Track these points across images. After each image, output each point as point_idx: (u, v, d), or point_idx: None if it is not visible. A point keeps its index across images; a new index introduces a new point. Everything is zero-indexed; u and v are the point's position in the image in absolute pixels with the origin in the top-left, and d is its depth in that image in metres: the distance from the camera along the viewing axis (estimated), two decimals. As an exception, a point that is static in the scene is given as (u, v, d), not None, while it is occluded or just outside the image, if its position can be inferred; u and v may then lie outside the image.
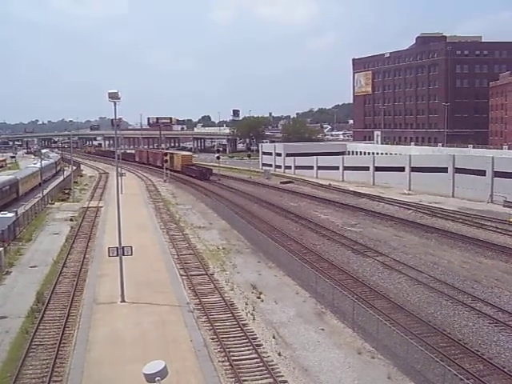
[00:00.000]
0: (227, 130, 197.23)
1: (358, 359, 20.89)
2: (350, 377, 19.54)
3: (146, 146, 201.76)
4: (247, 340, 22.57)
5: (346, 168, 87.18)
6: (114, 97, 26.63)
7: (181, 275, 32.26)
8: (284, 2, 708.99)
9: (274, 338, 22.98)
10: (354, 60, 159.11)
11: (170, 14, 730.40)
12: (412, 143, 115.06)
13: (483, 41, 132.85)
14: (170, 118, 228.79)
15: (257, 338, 22.96)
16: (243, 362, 20.70)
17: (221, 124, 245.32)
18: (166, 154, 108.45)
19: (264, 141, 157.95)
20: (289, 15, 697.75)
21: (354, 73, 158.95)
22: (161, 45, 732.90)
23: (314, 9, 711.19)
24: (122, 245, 27.99)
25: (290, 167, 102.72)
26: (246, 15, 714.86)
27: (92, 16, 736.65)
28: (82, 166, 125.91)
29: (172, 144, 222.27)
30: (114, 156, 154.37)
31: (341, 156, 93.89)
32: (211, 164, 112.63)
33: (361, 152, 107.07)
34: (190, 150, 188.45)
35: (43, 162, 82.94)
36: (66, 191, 74.89)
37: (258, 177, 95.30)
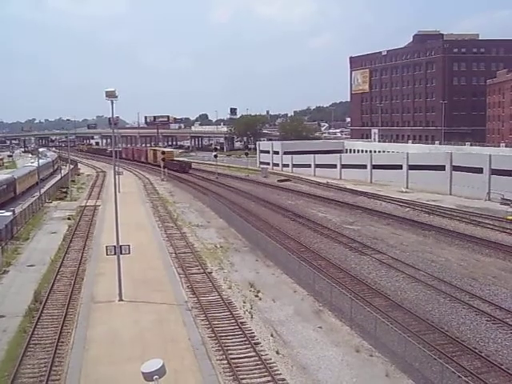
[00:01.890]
0: (225, 129, 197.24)
1: (356, 357, 20.91)
2: (348, 374, 19.57)
3: (143, 145, 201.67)
4: (245, 338, 22.58)
5: (343, 166, 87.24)
6: (111, 95, 26.59)
7: (179, 274, 32.25)
8: (282, 0, 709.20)
9: (272, 336, 23.00)
10: (351, 58, 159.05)
11: (168, 13, 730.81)
12: (409, 141, 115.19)
13: (480, 39, 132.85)
14: (168, 117, 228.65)
15: (255, 336, 22.98)
16: (241, 360, 20.71)
17: (218, 122, 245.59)
18: (163, 153, 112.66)
19: (261, 139, 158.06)
20: (287, 14, 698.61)
21: (351, 71, 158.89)
22: (158, 44, 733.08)
23: (311, 8, 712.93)
24: (120, 243, 27.98)
25: (287, 165, 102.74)
26: (244, 14, 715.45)
27: (90, 15, 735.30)
28: (80, 165, 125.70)
29: (169, 142, 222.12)
30: (105, 153, 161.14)
31: (338, 154, 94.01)
32: (208, 162, 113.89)
33: (358, 150, 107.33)
34: (187, 149, 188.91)
35: (40, 160, 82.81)
36: (64, 190, 74.74)
37: (255, 175, 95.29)
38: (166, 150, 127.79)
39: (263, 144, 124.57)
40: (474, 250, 38.08)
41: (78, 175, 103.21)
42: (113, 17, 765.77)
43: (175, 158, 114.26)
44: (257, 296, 28.22)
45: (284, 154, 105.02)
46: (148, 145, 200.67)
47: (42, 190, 68.31)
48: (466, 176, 62.99)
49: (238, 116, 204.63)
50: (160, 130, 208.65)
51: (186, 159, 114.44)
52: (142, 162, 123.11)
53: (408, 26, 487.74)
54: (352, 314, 23.46)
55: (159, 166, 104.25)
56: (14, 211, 50.02)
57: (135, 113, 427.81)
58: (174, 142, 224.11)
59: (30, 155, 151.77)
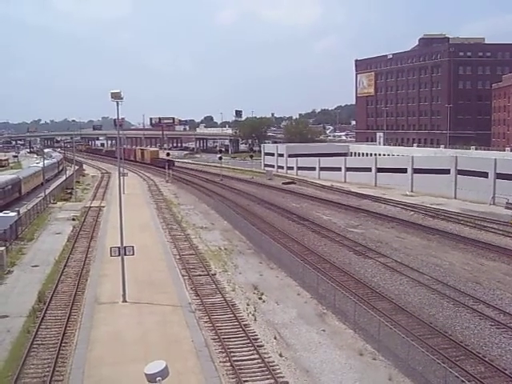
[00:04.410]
0: (230, 131, 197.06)
1: (359, 360, 20.88)
2: (351, 378, 19.53)
3: (148, 146, 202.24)
4: (248, 341, 22.56)
5: (348, 169, 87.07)
6: (116, 97, 26.63)
7: (182, 275, 32.27)
8: (287, 4, 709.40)
9: (275, 338, 22.98)
10: (356, 61, 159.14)
11: (173, 15, 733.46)
12: (414, 144, 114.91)
13: (486, 42, 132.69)
14: (173, 118, 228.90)
15: (258, 338, 22.96)
16: (244, 362, 20.70)
17: (223, 124, 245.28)
18: (149, 152, 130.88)
19: (266, 141, 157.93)
20: (292, 17, 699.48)
21: (356, 74, 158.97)
22: (163, 46, 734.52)
23: (317, 11, 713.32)
24: (124, 245, 28.02)
25: (292, 168, 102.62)
26: (249, 17, 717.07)
27: (94, 17, 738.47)
28: (85, 166, 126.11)
29: (174, 144, 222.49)
30: (101, 153, 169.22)
31: (343, 157, 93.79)
32: (213, 164, 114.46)
33: (363, 153, 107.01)
34: (192, 150, 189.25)
35: (46, 161, 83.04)
36: (69, 191, 74.91)
37: (260, 177, 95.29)
38: (151, 149, 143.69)
39: (268, 146, 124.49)
40: (479, 254, 37.97)
41: (83, 176, 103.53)
42: (117, 19, 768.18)
43: (160, 157, 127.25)
44: (260, 298, 28.20)
45: (289, 157, 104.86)
46: (153, 146, 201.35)
47: (47, 191, 68.50)
48: (470, 180, 62.80)
49: (243, 118, 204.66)
50: (165, 132, 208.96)
51: (169, 158, 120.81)
52: (131, 161, 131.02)
53: (414, 29, 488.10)
54: (356, 318, 23.43)
55: (146, 164, 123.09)
56: (18, 211, 50.18)
57: (140, 114, 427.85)
58: (179, 144, 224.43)
59: (36, 156, 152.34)
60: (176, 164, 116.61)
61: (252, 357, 21.17)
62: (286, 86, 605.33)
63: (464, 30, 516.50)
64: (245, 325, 24.33)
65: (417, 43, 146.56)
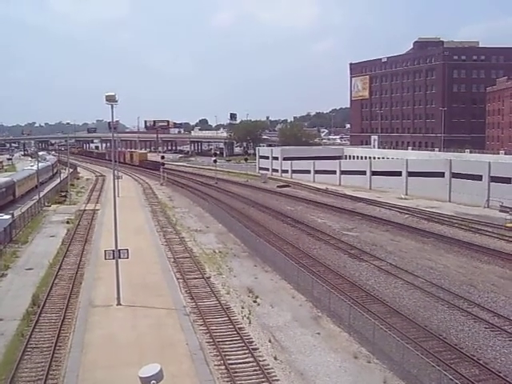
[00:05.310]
0: (224, 134, 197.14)
1: (353, 363, 20.87)
2: (345, 381, 19.52)
3: (142, 149, 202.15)
4: (243, 344, 22.53)
5: (342, 172, 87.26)
6: (111, 99, 26.58)
7: (177, 278, 32.21)
8: (283, 6, 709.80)
9: (270, 341, 22.95)
10: (351, 64, 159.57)
11: (170, 16, 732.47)
12: (409, 148, 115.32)
13: (480, 46, 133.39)
14: (167, 121, 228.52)
15: (253, 341, 22.93)
16: (239, 365, 20.66)
17: (218, 127, 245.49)
18: (138, 155, 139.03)
19: (261, 144, 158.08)
20: (287, 19, 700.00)
21: (351, 77, 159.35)
22: (159, 48, 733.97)
23: (313, 13, 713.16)
24: (119, 248, 27.95)
25: (286, 171, 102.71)
26: (245, 19, 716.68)
27: (91, 19, 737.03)
28: (79, 169, 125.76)
29: (169, 147, 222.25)
30: (92, 155, 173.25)
31: (338, 160, 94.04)
32: (208, 167, 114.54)
33: (358, 156, 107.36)
34: (186, 153, 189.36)
35: (40, 164, 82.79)
36: (63, 194, 74.69)
37: (254, 180, 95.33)
38: (140, 152, 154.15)
39: (263, 150, 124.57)
40: (473, 257, 38.06)
41: (78, 179, 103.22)
42: (113, 20, 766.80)
43: (148, 159, 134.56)
44: (255, 301, 28.17)
45: (283, 160, 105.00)
46: (148, 149, 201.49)
47: (42, 194, 68.25)
48: (465, 183, 63.00)
49: (238, 121, 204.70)
50: (160, 135, 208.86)
51: (158, 160, 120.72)
52: (121, 163, 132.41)
53: (408, 32, 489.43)
54: (350, 321, 23.44)
55: (137, 166, 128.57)
56: (12, 214, 49.97)
57: (135, 117, 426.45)
58: (174, 147, 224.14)
59: (30, 158, 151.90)
60: (171, 167, 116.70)
61: (247, 360, 21.14)
62: (281, 88, 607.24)
63: (458, 34, 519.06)
64: (239, 328, 24.29)
65: (411, 46, 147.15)
